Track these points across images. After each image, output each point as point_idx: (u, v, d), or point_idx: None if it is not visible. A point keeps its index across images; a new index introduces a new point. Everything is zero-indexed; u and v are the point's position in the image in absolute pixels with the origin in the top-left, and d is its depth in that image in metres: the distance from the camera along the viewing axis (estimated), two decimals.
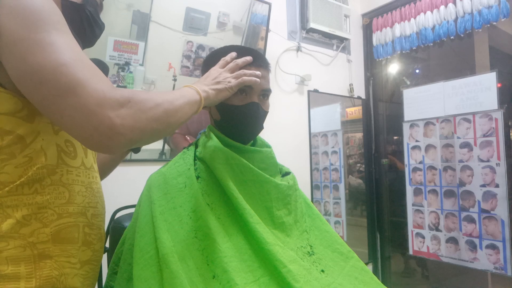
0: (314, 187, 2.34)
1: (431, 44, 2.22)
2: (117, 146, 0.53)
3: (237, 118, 0.79)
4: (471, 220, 1.93)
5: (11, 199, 0.57)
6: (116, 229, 0.93)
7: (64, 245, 0.63)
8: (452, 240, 2.02)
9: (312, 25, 2.26)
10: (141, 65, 1.60)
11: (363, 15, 2.65)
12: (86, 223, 0.68)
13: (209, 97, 0.71)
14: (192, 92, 0.67)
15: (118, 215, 1.00)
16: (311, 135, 2.32)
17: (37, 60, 0.50)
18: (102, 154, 0.93)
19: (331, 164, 2.46)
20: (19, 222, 0.57)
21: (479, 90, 1.90)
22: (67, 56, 0.51)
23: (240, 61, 0.78)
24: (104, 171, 0.94)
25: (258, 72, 0.77)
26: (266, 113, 0.83)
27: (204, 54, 1.79)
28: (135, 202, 0.85)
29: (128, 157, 1.58)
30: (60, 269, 0.62)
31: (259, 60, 0.81)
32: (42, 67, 0.50)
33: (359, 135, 2.66)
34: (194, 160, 0.80)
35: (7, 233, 0.56)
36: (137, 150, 0.93)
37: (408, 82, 2.51)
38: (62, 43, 0.52)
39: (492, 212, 1.84)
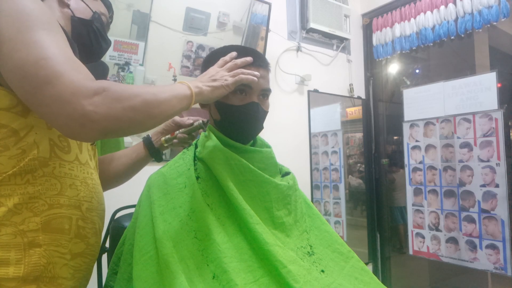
0: (314, 187, 2.35)
1: (431, 44, 2.22)
2: (90, 133, 0.55)
3: (237, 118, 0.79)
4: (471, 220, 1.93)
5: (4, 188, 0.60)
6: (116, 229, 0.93)
7: (54, 235, 0.65)
8: (452, 240, 2.02)
9: (312, 25, 2.26)
10: (141, 65, 1.60)
11: (363, 15, 2.65)
12: (80, 216, 0.70)
13: (203, 93, 0.70)
14: (183, 87, 0.68)
15: (118, 215, 1.00)
16: (311, 135, 2.32)
17: (21, 56, 0.53)
18: (123, 157, 0.98)
19: (331, 164, 2.46)
20: (11, 210, 0.60)
21: (479, 90, 1.90)
22: (50, 51, 0.54)
23: (239, 61, 0.77)
24: (127, 173, 0.99)
25: (256, 73, 0.77)
26: (266, 113, 0.83)
27: (204, 54, 1.79)
28: (135, 202, 0.85)
29: None
30: (48, 258, 0.64)
31: (258, 60, 0.81)
32: (24, 62, 0.53)
33: (359, 135, 2.66)
34: (194, 160, 0.80)
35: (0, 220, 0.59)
36: (160, 159, 1.01)
37: (408, 82, 2.51)
38: (47, 40, 0.55)
39: (492, 212, 1.84)
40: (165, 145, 0.96)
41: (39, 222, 0.63)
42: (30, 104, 0.56)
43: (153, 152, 0.99)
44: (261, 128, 0.84)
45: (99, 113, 0.54)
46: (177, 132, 0.96)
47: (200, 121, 0.94)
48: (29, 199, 0.62)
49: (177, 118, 0.98)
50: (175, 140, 0.95)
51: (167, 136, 0.96)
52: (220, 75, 0.74)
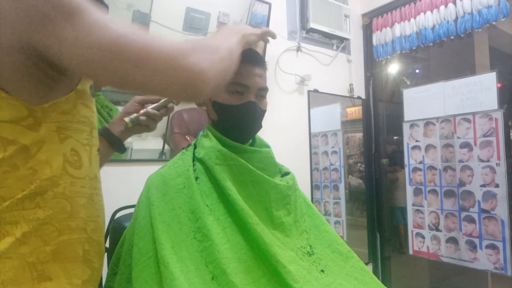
0: (314, 187, 2.34)
1: (431, 44, 2.21)
2: (205, 91, 0.55)
3: (234, 117, 0.79)
4: (471, 220, 1.93)
5: (10, 215, 0.52)
6: (116, 229, 0.93)
7: (65, 265, 0.58)
8: (452, 240, 2.02)
9: (312, 25, 2.26)
10: None
11: (363, 15, 2.65)
12: (86, 239, 0.63)
13: (249, 43, 0.72)
14: (235, 39, 0.67)
15: (118, 215, 1.00)
16: (311, 135, 2.32)
17: (97, 39, 0.49)
18: None
19: (331, 164, 2.46)
20: (19, 240, 0.52)
21: (479, 90, 1.90)
22: (119, 27, 0.51)
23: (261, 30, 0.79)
24: None
25: (273, 32, 0.80)
26: (264, 112, 0.83)
27: None
28: (135, 202, 0.85)
29: (128, 157, 1.58)
30: None
31: (256, 58, 0.81)
32: (103, 44, 0.49)
33: (359, 135, 2.66)
34: (193, 160, 0.80)
35: (4, 253, 0.51)
36: (123, 150, 0.91)
37: (408, 82, 2.51)
38: (105, 19, 0.51)
39: (492, 212, 1.84)
40: (130, 125, 0.84)
41: (50, 251, 0.55)
42: (130, 84, 0.52)
43: (113, 142, 0.86)
44: (260, 127, 0.84)
45: (208, 70, 0.54)
46: (144, 110, 0.85)
47: None
48: (38, 226, 0.54)
49: (138, 96, 0.88)
50: (142, 117, 0.84)
51: (132, 116, 0.84)
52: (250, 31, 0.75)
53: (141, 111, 0.84)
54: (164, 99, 0.85)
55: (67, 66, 0.52)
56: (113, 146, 0.87)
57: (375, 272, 2.52)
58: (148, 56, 0.50)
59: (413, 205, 2.21)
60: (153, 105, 0.85)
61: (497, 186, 1.82)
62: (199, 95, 0.56)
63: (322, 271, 0.77)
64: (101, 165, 0.88)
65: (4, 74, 0.51)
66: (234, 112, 0.79)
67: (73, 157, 0.60)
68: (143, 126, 0.86)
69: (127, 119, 0.83)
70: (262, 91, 0.81)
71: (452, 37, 2.11)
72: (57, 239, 0.56)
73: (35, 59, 0.52)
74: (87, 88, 0.64)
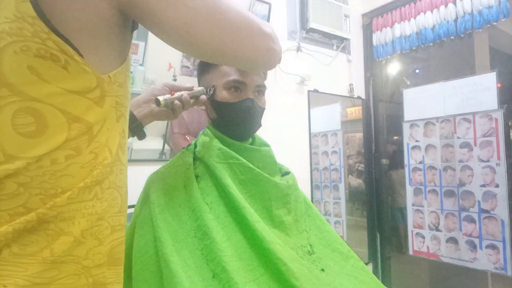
0: (314, 187, 2.34)
1: (431, 44, 2.22)
2: (278, 59, 0.65)
3: (233, 115, 0.80)
4: (471, 220, 1.93)
5: (68, 209, 0.43)
6: None
7: (117, 268, 0.50)
8: (452, 240, 2.02)
9: (312, 25, 2.26)
10: (141, 65, 1.60)
11: (363, 15, 2.65)
12: (122, 239, 0.54)
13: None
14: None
15: None
16: (311, 135, 2.32)
17: (204, 3, 0.50)
18: None
19: (331, 164, 2.46)
20: (76, 240, 0.43)
21: (479, 90, 1.90)
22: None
23: None
24: None
25: None
26: (262, 109, 0.83)
27: None
28: (135, 202, 0.85)
29: (127, 157, 1.58)
30: None
31: None
32: (210, 7, 0.51)
33: (359, 135, 2.66)
34: (194, 159, 0.80)
35: (60, 256, 0.42)
36: (143, 136, 0.84)
37: (408, 82, 2.51)
38: None
39: (492, 212, 1.84)
40: (163, 105, 0.75)
41: (105, 252, 0.46)
42: (220, 49, 0.54)
43: (136, 126, 0.77)
44: (259, 125, 0.84)
45: (278, 47, 0.63)
46: (179, 93, 0.77)
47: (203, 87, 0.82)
48: (95, 222, 0.45)
49: (170, 82, 0.82)
50: (177, 102, 0.76)
51: (165, 96, 0.75)
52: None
53: (176, 94, 0.77)
54: (198, 89, 0.81)
55: (163, 26, 0.49)
56: (134, 131, 0.77)
57: (375, 272, 2.52)
58: (243, 24, 0.54)
59: (413, 205, 2.21)
60: (190, 92, 0.79)
61: (497, 186, 1.82)
62: (277, 62, 0.64)
63: (323, 270, 0.77)
64: None
65: (84, 29, 0.43)
66: (232, 109, 0.79)
67: (123, 140, 0.51)
68: (169, 111, 0.79)
69: (161, 98, 0.74)
70: (260, 88, 0.82)
71: (452, 37, 2.12)
72: (110, 237, 0.48)
73: (119, 13, 0.46)
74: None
